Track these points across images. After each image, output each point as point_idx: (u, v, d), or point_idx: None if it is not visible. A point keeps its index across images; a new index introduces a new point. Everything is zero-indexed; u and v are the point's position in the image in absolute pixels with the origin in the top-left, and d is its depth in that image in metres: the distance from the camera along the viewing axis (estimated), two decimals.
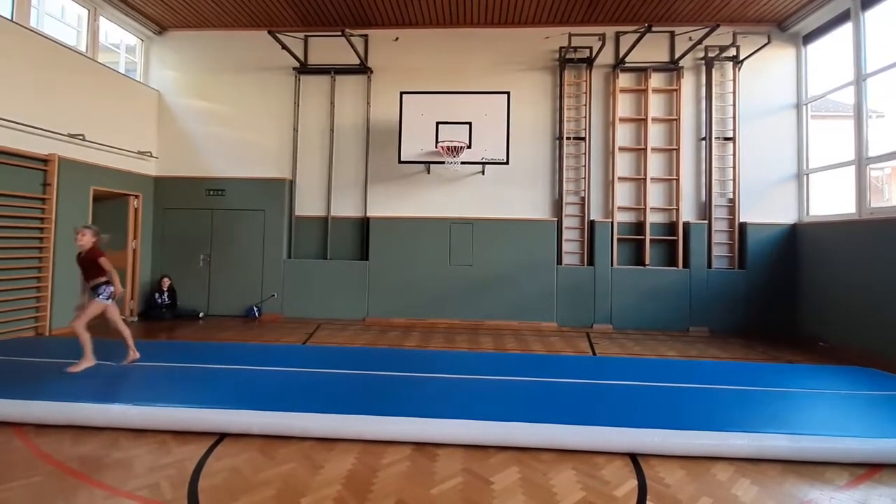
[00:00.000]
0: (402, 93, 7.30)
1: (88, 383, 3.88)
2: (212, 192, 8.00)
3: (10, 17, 5.85)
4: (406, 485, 2.66)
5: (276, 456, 2.98)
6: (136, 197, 7.79)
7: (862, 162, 6.12)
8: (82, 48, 7.05)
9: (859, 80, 6.19)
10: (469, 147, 7.13)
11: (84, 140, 6.70)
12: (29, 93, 5.98)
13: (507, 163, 7.19)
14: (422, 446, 3.15)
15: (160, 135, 8.25)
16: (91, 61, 7.00)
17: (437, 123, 7.16)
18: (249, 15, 7.72)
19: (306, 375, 4.30)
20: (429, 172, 7.85)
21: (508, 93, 7.22)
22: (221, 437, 3.23)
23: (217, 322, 7.44)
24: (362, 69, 7.99)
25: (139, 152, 7.78)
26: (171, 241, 8.05)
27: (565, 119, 7.81)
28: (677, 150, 7.63)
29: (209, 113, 8.23)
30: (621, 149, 7.75)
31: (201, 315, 7.77)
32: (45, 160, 6.15)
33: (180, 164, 8.18)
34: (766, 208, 7.49)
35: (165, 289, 7.70)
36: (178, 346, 5.61)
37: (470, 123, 7.15)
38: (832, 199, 7.14)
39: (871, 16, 6.18)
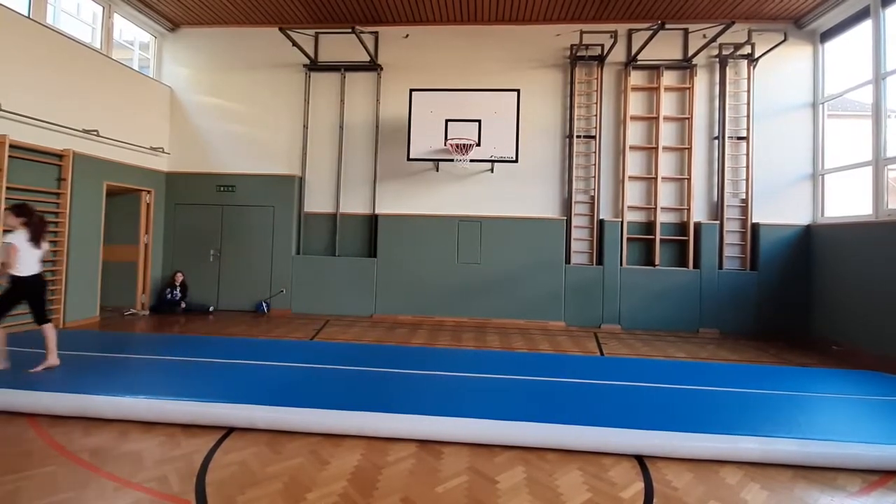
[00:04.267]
0: (411, 90, 7.29)
1: (100, 376, 3.95)
2: (222, 188, 8.07)
3: (27, 14, 5.94)
4: (411, 482, 2.66)
5: (283, 451, 3.00)
6: (149, 192, 7.88)
7: (880, 162, 5.99)
8: (97, 45, 7.14)
9: (878, 78, 6.05)
10: (478, 145, 7.10)
11: (98, 136, 6.79)
12: (45, 89, 6.07)
13: (516, 161, 7.15)
14: (427, 444, 3.15)
15: (172, 131, 8.34)
16: (105, 58, 7.08)
17: (447, 121, 7.15)
18: (261, 12, 7.76)
19: (314, 371, 4.32)
20: (437, 170, 7.84)
21: (518, 90, 7.17)
22: (229, 431, 3.26)
23: (227, 317, 7.52)
24: (372, 66, 7.99)
25: (151, 148, 7.86)
26: (182, 237, 8.14)
27: (576, 117, 7.75)
28: (689, 149, 7.53)
29: (220, 109, 8.29)
30: (632, 147, 7.67)
31: (211, 310, 7.85)
32: (59, 155, 6.25)
33: (192, 160, 8.25)
34: (780, 209, 7.37)
35: (178, 284, 7.79)
36: (189, 340, 5.67)
37: (479, 121, 7.12)
38: (848, 201, 7.00)
39: (891, 13, 6.04)
